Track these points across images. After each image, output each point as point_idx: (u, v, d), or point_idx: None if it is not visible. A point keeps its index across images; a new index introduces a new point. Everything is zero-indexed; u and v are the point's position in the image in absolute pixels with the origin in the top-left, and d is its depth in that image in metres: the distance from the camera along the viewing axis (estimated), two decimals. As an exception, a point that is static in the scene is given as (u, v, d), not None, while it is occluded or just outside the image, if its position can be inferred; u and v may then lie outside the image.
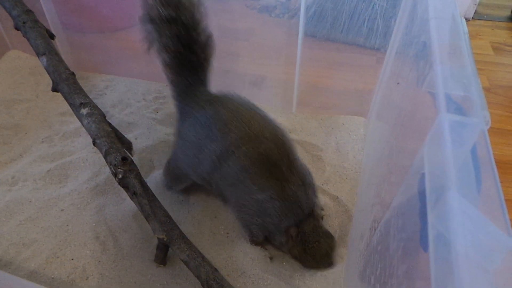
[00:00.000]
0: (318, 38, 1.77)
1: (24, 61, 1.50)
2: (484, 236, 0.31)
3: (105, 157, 0.85)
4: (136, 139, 1.20)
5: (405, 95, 0.70)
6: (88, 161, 1.12)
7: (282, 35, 1.80)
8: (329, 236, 0.88)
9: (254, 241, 0.93)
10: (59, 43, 1.44)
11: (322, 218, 0.93)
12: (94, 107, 0.93)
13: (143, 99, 1.35)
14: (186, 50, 0.88)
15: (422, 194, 0.46)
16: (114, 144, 0.86)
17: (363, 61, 1.68)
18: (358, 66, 1.67)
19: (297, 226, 0.84)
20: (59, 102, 1.26)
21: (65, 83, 0.95)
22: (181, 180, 0.99)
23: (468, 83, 0.46)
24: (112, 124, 1.01)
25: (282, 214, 0.84)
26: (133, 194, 0.81)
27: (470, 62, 0.51)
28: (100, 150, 0.87)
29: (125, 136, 1.10)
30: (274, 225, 0.86)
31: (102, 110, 0.97)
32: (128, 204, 1.00)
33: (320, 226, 0.88)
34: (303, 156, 1.13)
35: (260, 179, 0.82)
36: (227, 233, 0.96)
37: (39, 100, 1.34)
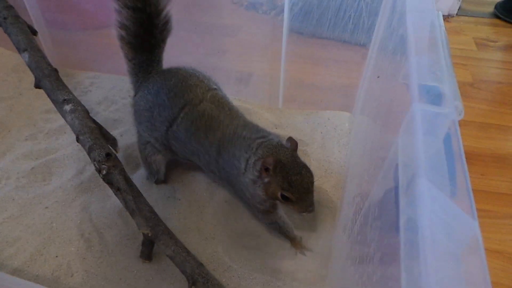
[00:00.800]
0: (304, 35, 1.78)
1: (6, 58, 1.48)
2: (451, 221, 0.32)
3: (88, 153, 0.85)
4: (121, 136, 1.19)
5: (385, 88, 0.71)
6: (72, 158, 1.12)
7: (268, 31, 1.80)
8: (308, 169, 0.80)
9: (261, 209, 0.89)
10: (43, 40, 1.42)
11: (296, 147, 0.84)
12: (77, 103, 0.92)
13: (129, 95, 1.34)
14: (145, 33, 0.93)
15: (397, 183, 0.47)
16: (98, 140, 0.86)
17: (349, 57, 1.69)
18: (344, 62, 1.68)
19: (269, 159, 0.77)
20: (43, 99, 1.24)
21: (48, 79, 0.94)
22: (153, 154, 1.00)
23: (442, 74, 0.47)
24: (97, 121, 1.00)
25: (243, 150, 0.83)
26: (117, 190, 0.81)
27: (445, 54, 0.52)
28: (84, 146, 0.86)
29: (111, 133, 1.10)
30: (243, 169, 0.83)
31: (87, 107, 0.97)
32: (113, 201, 1.00)
33: (298, 156, 0.82)
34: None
35: (204, 135, 0.88)
36: (213, 227, 0.96)
37: (22, 97, 1.33)
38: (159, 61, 1.00)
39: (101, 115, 1.25)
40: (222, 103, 0.93)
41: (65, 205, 0.99)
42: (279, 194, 0.79)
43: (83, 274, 0.85)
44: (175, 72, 0.96)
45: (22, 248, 0.89)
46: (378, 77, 0.75)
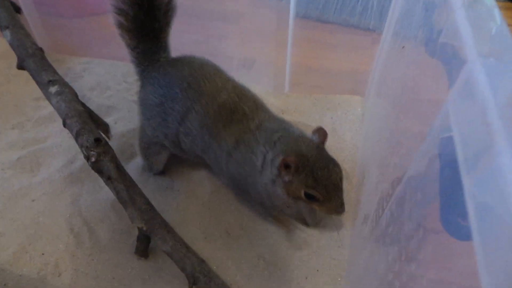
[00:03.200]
0: (310, 19, 1.69)
1: (-6, 44, 1.39)
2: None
3: (76, 139, 0.76)
4: (115, 123, 1.10)
5: (411, 60, 0.62)
6: (62, 147, 1.03)
7: (273, 16, 1.71)
8: (336, 163, 0.71)
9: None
10: (32, 24, 1.33)
11: (325, 138, 0.75)
12: (64, 84, 0.84)
13: (124, 81, 1.25)
14: (147, 17, 0.82)
15: (445, 162, 0.38)
16: (86, 125, 0.77)
17: (358, 42, 1.61)
18: (353, 47, 1.59)
19: (290, 155, 0.68)
20: (33, 86, 1.16)
21: (32, 59, 0.85)
22: (157, 154, 0.91)
23: (496, 26, 0.38)
24: (90, 108, 0.92)
25: (261, 143, 0.73)
26: (108, 179, 0.72)
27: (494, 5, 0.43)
28: (71, 131, 0.78)
29: (104, 120, 1.01)
30: (259, 167, 0.74)
31: (79, 94, 0.88)
32: (105, 192, 0.91)
33: (324, 148, 0.72)
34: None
35: (223, 128, 0.77)
36: (216, 220, 0.88)
37: (10, 84, 1.24)
38: (166, 47, 0.89)
39: (94, 102, 1.16)
40: (245, 95, 0.81)
41: (53, 198, 0.91)
42: (302, 193, 0.69)
43: (72, 273, 0.77)
44: (189, 61, 0.85)
45: (5, 245, 0.81)
46: (403, 47, 0.66)
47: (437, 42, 0.46)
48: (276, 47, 1.46)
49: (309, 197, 0.69)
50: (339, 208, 0.69)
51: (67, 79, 0.91)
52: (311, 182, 0.67)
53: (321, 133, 0.74)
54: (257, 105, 0.81)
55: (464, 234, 0.38)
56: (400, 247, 0.41)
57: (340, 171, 0.70)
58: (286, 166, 0.68)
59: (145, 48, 0.86)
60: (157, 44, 0.87)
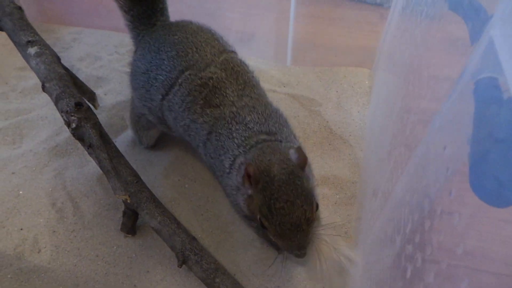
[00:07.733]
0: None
1: (-22, 11, 1.31)
2: None
3: (56, 104, 0.70)
4: (105, 94, 1.03)
5: (425, 31, 0.55)
6: (48, 119, 0.96)
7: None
8: (309, 201, 0.57)
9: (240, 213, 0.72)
10: (19, -9, 1.25)
11: (305, 163, 0.60)
12: (44, 46, 0.76)
13: (116, 51, 1.18)
14: None
15: (483, 109, 0.31)
16: (67, 88, 0.70)
17: (364, 17, 1.52)
18: (359, 22, 1.51)
19: (252, 164, 0.58)
20: (18, 55, 1.09)
21: (9, 18, 0.78)
22: (147, 129, 0.84)
23: None
24: (79, 78, 0.85)
25: (236, 143, 0.64)
26: (89, 147, 0.66)
27: None
28: (50, 95, 0.71)
29: (94, 91, 0.94)
30: (227, 167, 0.65)
31: (67, 64, 0.80)
32: (93, 166, 0.84)
33: (301, 177, 0.58)
34: (299, 111, 0.97)
35: (200, 110, 0.68)
36: (207, 197, 0.81)
37: (-6, 54, 1.17)
38: (163, 9, 0.80)
39: (83, 72, 1.09)
40: (236, 72, 0.71)
41: (35, 171, 0.84)
42: (258, 217, 0.58)
43: (52, 249, 0.71)
44: (183, 25, 0.76)
45: (-20, 219, 0.74)
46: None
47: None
48: (277, 22, 1.38)
49: (263, 226, 0.58)
50: (295, 251, 0.57)
51: (55, 50, 0.83)
52: (265, 211, 0.56)
53: (301, 156, 0.59)
54: (245, 87, 0.70)
55: (504, 200, 0.31)
56: (422, 216, 0.34)
57: (310, 211, 0.56)
58: (249, 177, 0.58)
59: (140, 11, 0.78)
60: (153, 6, 0.79)
